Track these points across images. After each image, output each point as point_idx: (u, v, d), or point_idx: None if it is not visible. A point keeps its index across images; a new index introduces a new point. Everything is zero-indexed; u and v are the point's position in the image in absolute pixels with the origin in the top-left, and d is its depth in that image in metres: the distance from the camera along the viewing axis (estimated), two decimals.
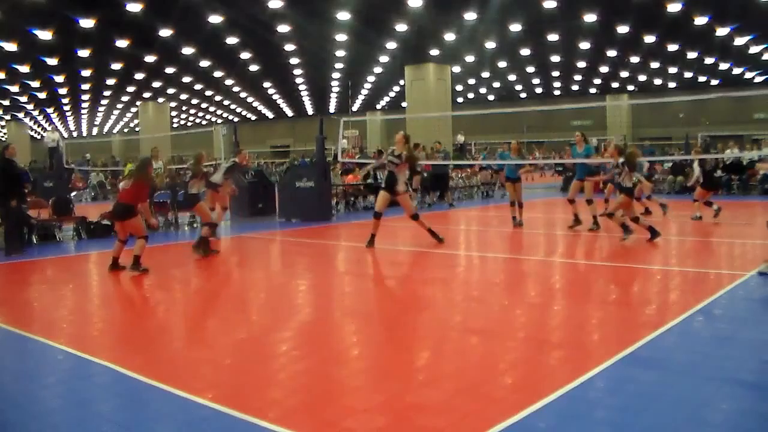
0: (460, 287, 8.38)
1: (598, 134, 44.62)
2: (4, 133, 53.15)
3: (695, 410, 4.04)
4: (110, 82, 34.46)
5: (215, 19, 21.07)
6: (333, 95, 44.88)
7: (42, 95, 38.32)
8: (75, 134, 65.07)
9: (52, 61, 27.49)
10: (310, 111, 53.30)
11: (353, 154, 30.18)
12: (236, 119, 57.26)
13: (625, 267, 9.28)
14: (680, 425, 3.80)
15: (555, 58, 31.99)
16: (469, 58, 30.65)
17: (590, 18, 22.34)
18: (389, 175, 11.17)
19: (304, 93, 43.82)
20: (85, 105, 44.94)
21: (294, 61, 30.73)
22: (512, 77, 39.10)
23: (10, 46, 23.90)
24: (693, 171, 16.01)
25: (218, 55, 28.42)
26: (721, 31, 24.61)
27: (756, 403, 4.15)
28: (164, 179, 15.54)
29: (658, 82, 40.98)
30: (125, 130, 62.68)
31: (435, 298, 7.64)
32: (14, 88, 35.45)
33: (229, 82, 36.97)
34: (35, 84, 33.89)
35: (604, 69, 35.74)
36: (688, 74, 37.54)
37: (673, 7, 20.49)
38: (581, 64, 34.13)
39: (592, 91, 45.82)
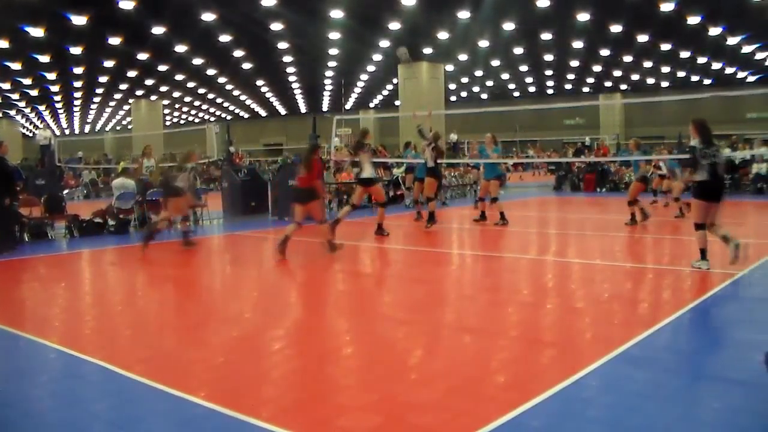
0: (453, 286, 8.39)
1: (591, 133, 44.74)
2: None
3: (687, 408, 4.06)
4: (102, 79, 34.28)
5: (208, 16, 21.01)
6: (326, 94, 44.84)
7: (34, 93, 38.11)
8: (67, 132, 64.77)
9: (44, 59, 27.34)
10: (303, 109, 53.23)
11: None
12: (229, 117, 57.09)
13: (616, 266, 9.31)
14: (672, 423, 3.82)
15: (548, 57, 32.04)
16: (463, 57, 30.65)
17: (583, 17, 22.36)
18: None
19: (297, 91, 43.73)
20: (77, 102, 44.72)
21: (287, 59, 30.68)
22: (505, 76, 39.13)
23: (2, 44, 23.77)
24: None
25: (211, 53, 28.32)
26: (714, 31, 24.68)
27: (748, 402, 4.17)
28: (158, 177, 15.50)
29: (650, 81, 41.09)
30: (118, 128, 62.43)
31: (428, 296, 7.65)
32: (6, 86, 35.25)
33: (222, 80, 36.87)
34: (27, 81, 33.69)
35: (597, 68, 35.80)
36: (680, 74, 37.66)
37: (666, 7, 20.53)
38: (574, 63, 34.20)
39: (585, 90, 45.89)
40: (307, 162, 10.13)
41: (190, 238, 11.49)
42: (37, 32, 21.99)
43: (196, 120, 59.54)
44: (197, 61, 29.82)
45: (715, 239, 8.42)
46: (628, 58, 32.21)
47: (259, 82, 39.52)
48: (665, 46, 28.49)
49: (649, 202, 17.17)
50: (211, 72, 33.57)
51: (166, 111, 51.17)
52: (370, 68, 33.99)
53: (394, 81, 34.27)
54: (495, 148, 14.45)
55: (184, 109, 53.12)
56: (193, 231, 12.20)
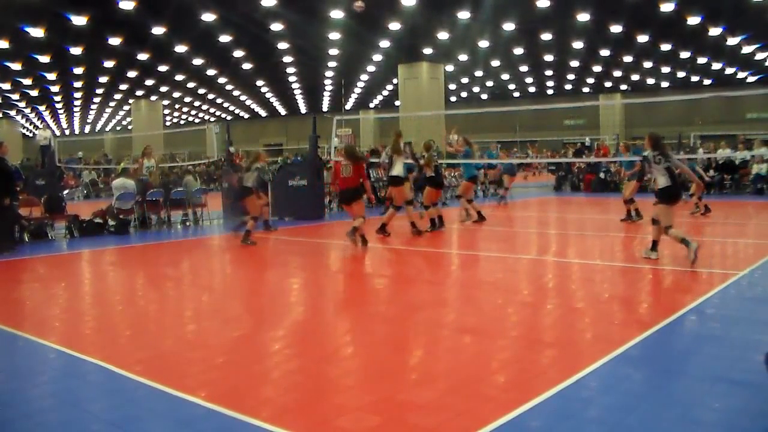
0: (452, 286, 8.39)
1: (591, 134, 44.75)
2: None
3: (687, 409, 4.05)
4: (103, 80, 34.34)
5: (208, 17, 21.02)
6: (326, 94, 44.85)
7: (34, 93, 38.13)
8: (67, 132, 64.81)
9: (44, 59, 27.37)
10: (303, 110, 53.25)
11: None
12: (229, 117, 57.13)
13: (616, 266, 9.30)
14: (672, 424, 3.82)
15: (548, 58, 32.04)
16: (463, 57, 30.66)
17: (583, 17, 22.37)
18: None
19: (297, 91, 43.75)
20: (77, 103, 44.76)
21: (287, 59, 30.69)
22: (505, 76, 39.14)
23: (2, 44, 23.78)
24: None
25: (211, 54, 28.35)
26: (714, 31, 24.70)
27: (747, 402, 4.16)
28: (157, 178, 15.52)
29: (650, 81, 41.11)
30: (118, 129, 62.48)
31: (428, 296, 7.64)
32: (6, 86, 35.28)
33: (222, 80, 36.88)
34: (27, 81, 33.72)
35: (597, 68, 35.82)
36: (680, 74, 37.67)
37: (666, 7, 20.54)
38: (574, 64, 34.20)
39: (585, 90, 45.90)
40: (356, 162, 10.92)
41: (250, 235, 11.88)
42: (37, 32, 21.99)
43: (196, 120, 59.59)
44: (197, 61, 29.84)
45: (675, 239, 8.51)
46: (628, 59, 32.23)
47: (259, 83, 39.54)
48: (665, 47, 28.51)
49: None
50: (211, 72, 33.60)
51: (166, 111, 51.22)
52: (370, 68, 33.99)
53: (394, 81, 34.29)
54: (467, 149, 14.76)
55: (184, 109, 53.16)
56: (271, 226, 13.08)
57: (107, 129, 63.17)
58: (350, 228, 10.76)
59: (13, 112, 48.35)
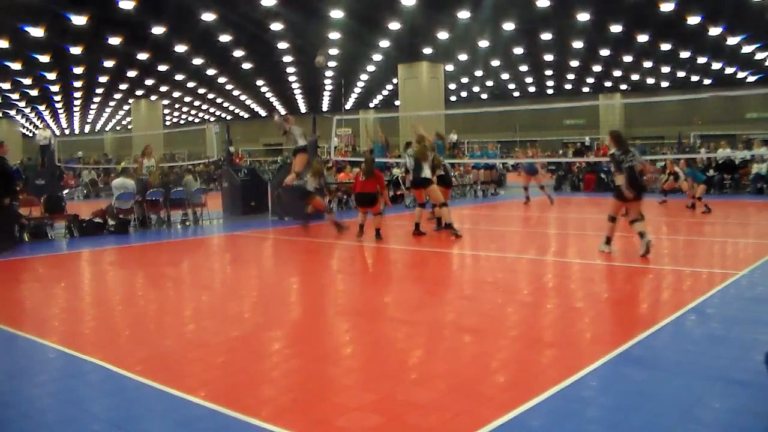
0: (452, 285, 8.39)
1: (591, 133, 44.70)
2: None
3: (687, 409, 4.06)
4: (102, 79, 34.27)
5: (208, 16, 20.99)
6: (326, 94, 44.81)
7: (34, 92, 38.10)
8: (67, 132, 64.77)
9: (44, 59, 27.34)
10: (303, 109, 53.20)
11: (346, 152, 30.19)
12: (229, 117, 57.07)
13: (616, 266, 9.30)
14: (672, 424, 3.82)
15: (548, 57, 32.02)
16: (463, 57, 30.64)
17: (583, 17, 22.35)
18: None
19: (297, 91, 43.71)
20: (77, 102, 44.70)
21: (287, 59, 30.68)
22: (505, 76, 39.10)
23: (2, 44, 23.76)
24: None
25: (211, 53, 28.31)
26: (714, 31, 24.67)
27: (748, 402, 4.17)
28: (157, 177, 15.52)
29: (650, 81, 41.04)
30: (118, 128, 62.46)
31: (428, 296, 7.65)
32: (5, 86, 35.24)
33: (222, 80, 36.85)
34: (27, 81, 33.68)
35: (596, 68, 35.77)
36: (680, 73, 37.64)
37: (666, 7, 20.52)
38: (574, 63, 34.18)
39: (585, 90, 45.84)
40: (371, 170, 11.92)
41: (341, 223, 13.00)
42: (37, 32, 21.96)
43: (196, 120, 59.53)
44: (197, 61, 29.80)
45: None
46: (628, 58, 32.19)
47: (259, 82, 39.50)
48: (665, 46, 28.48)
49: (658, 202, 17.28)
50: (210, 72, 33.56)
51: (166, 111, 51.14)
52: (370, 68, 33.98)
53: (394, 81, 34.25)
54: (437, 142, 14.71)
55: (184, 109, 53.09)
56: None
57: (107, 129, 63.12)
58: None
59: (13, 112, 48.30)
